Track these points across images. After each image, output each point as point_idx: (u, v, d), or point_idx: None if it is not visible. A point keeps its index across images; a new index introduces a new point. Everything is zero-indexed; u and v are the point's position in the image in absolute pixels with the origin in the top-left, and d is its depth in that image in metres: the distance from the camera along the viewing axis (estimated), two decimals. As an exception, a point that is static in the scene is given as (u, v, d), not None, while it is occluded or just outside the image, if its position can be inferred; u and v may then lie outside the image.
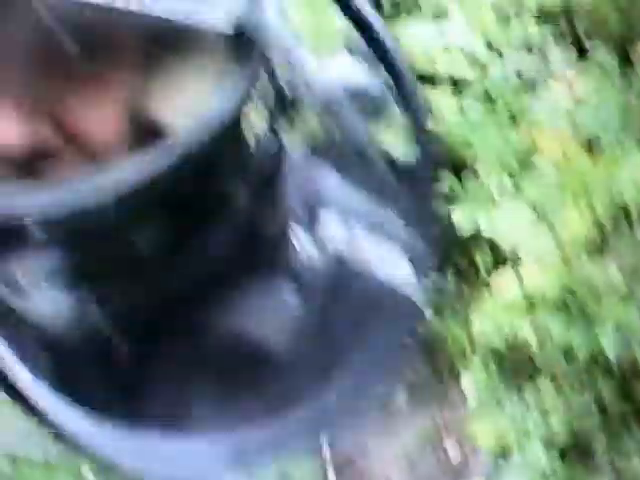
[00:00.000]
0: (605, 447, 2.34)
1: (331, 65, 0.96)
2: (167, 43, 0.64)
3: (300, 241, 0.82)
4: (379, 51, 0.89)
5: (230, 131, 0.70)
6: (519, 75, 2.89)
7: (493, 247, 2.62)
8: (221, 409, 0.79)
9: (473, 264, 2.71)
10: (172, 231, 0.70)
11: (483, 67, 2.89)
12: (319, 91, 0.87)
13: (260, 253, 0.81)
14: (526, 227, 2.51)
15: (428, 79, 2.92)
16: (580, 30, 2.90)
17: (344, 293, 0.86)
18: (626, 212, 2.38)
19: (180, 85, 0.68)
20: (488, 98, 2.96)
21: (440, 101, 2.87)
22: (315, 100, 0.85)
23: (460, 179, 2.75)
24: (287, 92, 0.80)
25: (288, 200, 0.84)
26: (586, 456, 2.39)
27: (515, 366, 2.47)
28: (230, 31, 0.66)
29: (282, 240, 0.84)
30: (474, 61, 2.91)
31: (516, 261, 2.49)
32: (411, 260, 0.87)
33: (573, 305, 2.36)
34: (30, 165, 0.63)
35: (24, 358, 0.65)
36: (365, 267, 0.85)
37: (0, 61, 0.60)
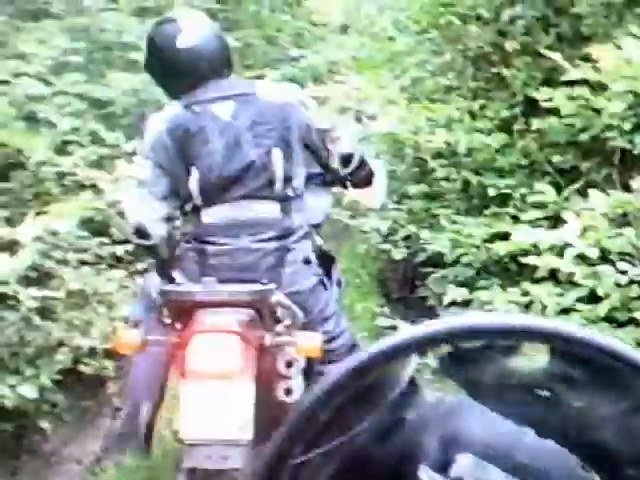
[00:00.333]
0: None
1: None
2: None
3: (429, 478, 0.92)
4: None
5: None
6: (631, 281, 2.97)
7: None
8: None
9: None
10: None
11: (594, 271, 2.96)
12: None
13: None
14: None
15: (529, 271, 3.01)
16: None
17: None
18: None
19: None
20: (592, 297, 3.02)
21: (541, 296, 2.95)
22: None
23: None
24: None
25: (420, 440, 0.95)
26: None
27: None
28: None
29: (404, 476, 0.93)
30: (581, 262, 2.98)
31: None
32: None
33: None
34: None
35: None
36: None
37: None
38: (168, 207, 3.02)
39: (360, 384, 0.86)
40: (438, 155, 4.09)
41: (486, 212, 3.87)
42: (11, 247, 2.23)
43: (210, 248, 2.98)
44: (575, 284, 3.12)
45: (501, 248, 3.36)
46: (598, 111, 3.52)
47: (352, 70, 6.23)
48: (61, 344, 3.50)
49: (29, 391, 3.14)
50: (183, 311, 2.74)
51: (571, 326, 0.86)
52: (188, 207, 3.01)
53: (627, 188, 3.40)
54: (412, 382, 0.98)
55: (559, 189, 3.68)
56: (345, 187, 3.47)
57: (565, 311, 3.13)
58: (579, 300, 3.14)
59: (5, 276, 2.79)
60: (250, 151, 2.97)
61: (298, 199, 3.09)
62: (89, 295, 3.70)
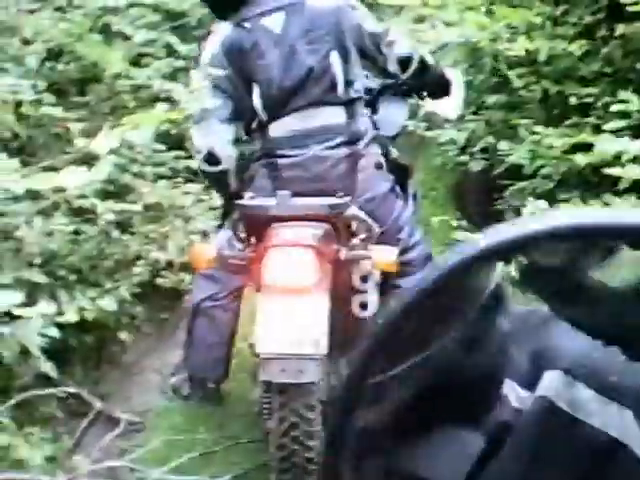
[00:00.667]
0: None
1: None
2: None
3: (514, 395, 0.89)
4: None
5: None
6: None
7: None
8: None
9: None
10: None
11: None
12: None
13: (459, 400, 0.90)
14: None
15: (610, 183, 2.93)
16: None
17: (555, 450, 0.86)
18: None
19: None
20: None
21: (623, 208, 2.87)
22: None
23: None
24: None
25: (509, 354, 0.92)
26: None
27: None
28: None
29: (488, 392, 0.91)
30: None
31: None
32: None
33: None
34: None
35: None
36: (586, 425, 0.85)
37: None
38: (234, 128, 3.00)
39: (441, 296, 0.83)
40: (517, 64, 3.97)
41: (567, 122, 3.75)
42: (88, 161, 2.23)
43: (281, 161, 2.97)
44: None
45: (582, 159, 3.27)
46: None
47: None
48: (139, 257, 3.54)
49: (109, 303, 3.19)
50: (258, 226, 2.74)
51: None
52: (254, 124, 2.99)
53: None
54: (498, 292, 0.95)
55: (644, 98, 3.54)
56: (421, 97, 3.41)
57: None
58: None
59: (83, 189, 2.81)
60: (307, 58, 2.94)
61: (361, 102, 3.06)
62: (166, 209, 3.73)
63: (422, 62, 3.14)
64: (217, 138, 2.97)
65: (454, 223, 3.54)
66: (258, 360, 2.58)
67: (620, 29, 3.65)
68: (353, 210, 2.78)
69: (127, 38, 4.27)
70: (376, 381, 0.85)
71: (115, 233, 3.50)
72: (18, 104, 3.06)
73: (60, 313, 2.58)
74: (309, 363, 2.51)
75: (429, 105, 3.45)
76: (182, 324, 3.52)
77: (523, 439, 0.87)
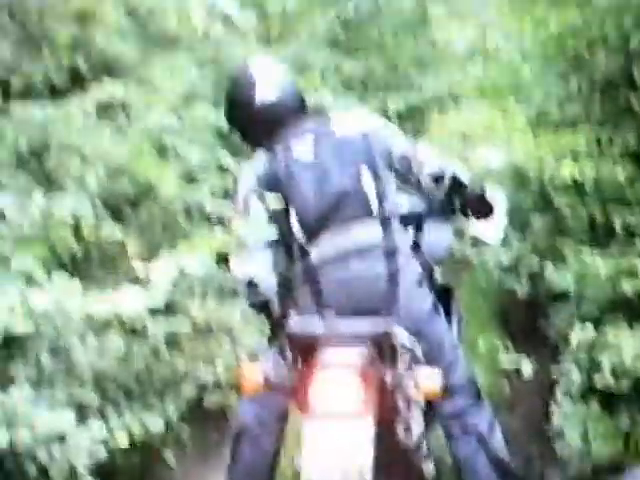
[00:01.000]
0: None
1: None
2: None
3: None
4: None
5: None
6: None
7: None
8: None
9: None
10: None
11: None
12: None
13: None
14: None
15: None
16: None
17: None
18: None
19: None
20: None
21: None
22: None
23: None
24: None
25: None
26: None
27: None
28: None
29: None
30: None
31: None
32: None
33: None
34: None
35: None
36: None
37: None
38: (273, 255, 3.07)
39: None
40: (564, 187, 4.02)
41: (613, 246, 3.78)
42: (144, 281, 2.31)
43: (323, 281, 3.02)
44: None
45: (628, 286, 3.29)
46: None
47: (475, 96, 6.21)
48: (187, 376, 3.58)
49: (156, 423, 3.22)
50: (305, 347, 2.77)
51: None
52: (294, 248, 3.06)
53: None
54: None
55: (690, 223, 3.57)
56: (465, 215, 3.47)
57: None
58: None
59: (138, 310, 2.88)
60: (340, 180, 3.04)
61: (396, 218, 3.12)
62: (214, 327, 3.78)
63: (455, 179, 3.23)
64: (256, 266, 3.04)
65: (499, 346, 3.55)
66: (304, 485, 2.58)
67: (666, 154, 3.71)
68: (398, 331, 2.82)
69: (180, 156, 4.40)
70: None
71: (164, 352, 3.55)
72: (77, 224, 3.16)
73: (109, 433, 2.61)
74: None
75: (472, 228, 3.51)
76: (227, 444, 3.53)
77: None
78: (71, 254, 3.29)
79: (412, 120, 7.41)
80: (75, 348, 2.91)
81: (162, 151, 4.32)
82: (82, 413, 2.78)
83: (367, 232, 3.05)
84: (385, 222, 3.08)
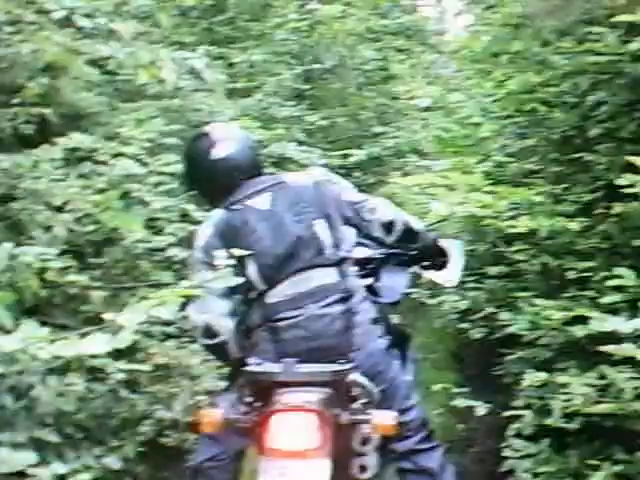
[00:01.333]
0: None
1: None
2: None
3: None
4: None
5: None
6: None
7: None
8: None
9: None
10: None
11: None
12: None
13: None
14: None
15: (608, 361, 3.03)
16: None
17: None
18: None
19: None
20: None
21: (618, 380, 2.97)
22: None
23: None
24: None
25: None
26: None
27: None
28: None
29: None
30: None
31: None
32: None
33: None
34: None
35: None
36: None
37: None
38: (231, 302, 3.15)
39: None
40: (518, 238, 4.14)
41: (565, 294, 3.89)
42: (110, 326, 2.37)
43: (280, 324, 3.11)
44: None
45: (579, 332, 3.39)
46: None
47: (436, 149, 6.37)
48: (145, 416, 3.63)
49: (113, 462, 3.25)
50: (264, 390, 2.85)
51: None
52: (253, 295, 3.15)
53: None
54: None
55: (639, 273, 3.68)
56: (423, 267, 3.59)
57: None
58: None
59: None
60: (295, 228, 3.15)
61: (350, 263, 3.23)
62: (173, 368, 3.84)
63: (407, 227, 3.35)
64: (213, 313, 3.12)
65: (453, 387, 3.63)
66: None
67: (617, 208, 3.84)
68: (354, 376, 2.91)
69: (145, 204, 4.48)
70: None
71: (123, 392, 3.59)
72: (43, 270, 3.22)
73: (76, 471, 2.65)
74: None
75: (429, 273, 3.62)
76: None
77: None
78: (36, 298, 3.34)
79: (372, 172, 7.57)
80: (37, 388, 2.95)
81: (127, 198, 4.39)
82: (41, 453, 2.81)
83: (323, 276, 3.15)
84: (340, 267, 3.19)
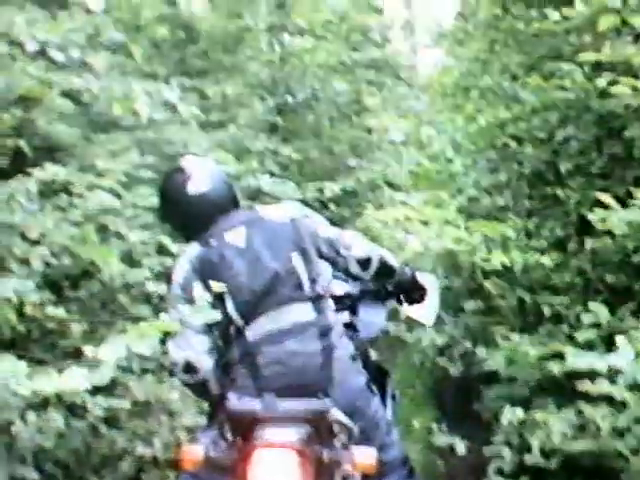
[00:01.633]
0: None
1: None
2: None
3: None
4: None
5: None
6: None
7: None
8: None
9: None
10: None
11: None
12: None
13: None
14: None
15: (585, 397, 3.06)
16: None
17: None
18: None
19: None
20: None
21: (595, 417, 3.00)
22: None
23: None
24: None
25: None
26: None
27: None
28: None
29: None
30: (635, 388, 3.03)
31: None
32: None
33: None
34: None
35: None
36: None
37: None
38: (210, 338, 3.16)
39: None
40: (493, 273, 4.18)
41: (541, 330, 3.93)
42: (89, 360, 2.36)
43: (259, 360, 3.11)
44: (630, 406, 3.16)
45: (555, 368, 3.42)
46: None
47: (409, 183, 6.42)
48: (125, 452, 3.60)
49: (93, 500, 3.24)
50: (244, 426, 2.84)
51: None
52: (230, 330, 3.15)
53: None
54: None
55: (613, 309, 3.73)
56: (399, 302, 3.61)
57: (620, 433, 3.17)
58: (636, 421, 3.17)
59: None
60: (271, 263, 3.17)
61: (328, 299, 3.24)
62: (152, 404, 3.82)
63: (384, 262, 3.37)
64: (193, 349, 3.12)
65: (432, 423, 3.64)
66: None
67: (589, 243, 3.89)
68: (335, 413, 2.91)
69: (122, 237, 4.47)
70: None
71: (103, 428, 3.57)
72: (21, 303, 3.20)
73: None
74: None
75: (406, 310, 3.64)
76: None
77: None
78: (13, 332, 3.32)
79: (347, 205, 7.60)
80: (16, 425, 2.93)
81: (103, 231, 4.38)
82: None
83: (300, 312, 3.16)
84: (318, 302, 3.20)
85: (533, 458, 3.26)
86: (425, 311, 3.58)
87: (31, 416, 3.07)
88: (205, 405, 3.43)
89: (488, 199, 4.70)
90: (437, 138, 6.03)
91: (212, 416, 3.22)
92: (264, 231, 3.23)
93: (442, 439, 3.37)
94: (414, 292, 3.53)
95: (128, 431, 3.68)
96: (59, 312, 3.42)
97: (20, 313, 3.25)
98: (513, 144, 4.55)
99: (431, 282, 3.59)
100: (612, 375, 3.10)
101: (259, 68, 8.18)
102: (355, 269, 3.36)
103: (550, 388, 3.70)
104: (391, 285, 3.51)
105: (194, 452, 2.85)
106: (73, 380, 2.17)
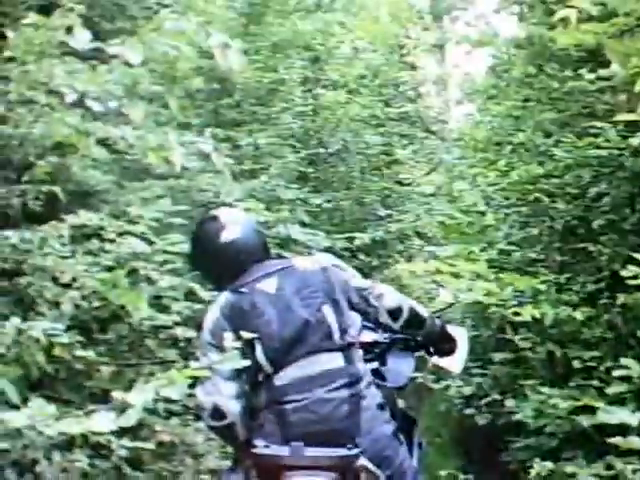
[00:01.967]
0: None
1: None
2: None
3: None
4: None
5: None
6: None
7: None
8: None
9: None
10: None
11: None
12: None
13: None
14: None
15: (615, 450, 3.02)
16: None
17: None
18: None
19: None
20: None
21: (626, 471, 2.95)
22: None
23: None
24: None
25: None
26: None
27: None
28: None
29: None
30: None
31: None
32: None
33: None
34: None
35: None
36: None
37: None
38: (239, 384, 3.15)
39: None
40: (523, 325, 4.16)
41: (571, 383, 3.89)
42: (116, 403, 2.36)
43: (287, 407, 3.10)
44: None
45: (586, 421, 3.38)
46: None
47: (440, 235, 6.42)
48: (149, 495, 3.60)
49: None
50: (271, 473, 2.83)
51: None
52: (260, 377, 3.15)
53: None
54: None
55: (644, 364, 3.69)
56: (429, 353, 3.59)
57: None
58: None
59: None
60: (302, 312, 3.16)
61: (357, 347, 3.24)
62: (177, 446, 3.81)
63: (414, 313, 3.37)
64: (221, 394, 3.12)
65: (458, 473, 3.60)
66: None
67: (621, 298, 3.86)
68: (362, 461, 2.89)
69: (152, 282, 4.49)
70: None
71: (127, 469, 3.56)
72: (50, 344, 3.22)
73: None
74: None
75: (435, 358, 3.62)
76: None
77: None
78: (41, 373, 3.33)
79: (376, 255, 7.61)
80: (40, 464, 2.93)
81: (133, 276, 4.41)
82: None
83: (330, 361, 3.15)
84: (347, 351, 3.19)
85: (561, 511, 3.22)
86: (454, 361, 3.56)
87: (56, 456, 3.07)
88: (229, 449, 3.41)
89: (519, 252, 4.69)
90: (469, 191, 6.04)
91: (237, 460, 3.20)
92: (295, 279, 3.24)
93: (467, 488, 3.33)
94: (444, 343, 3.52)
95: (152, 473, 3.67)
96: (88, 354, 3.44)
97: (49, 354, 3.26)
98: (545, 199, 4.56)
99: (461, 334, 3.57)
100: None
101: (292, 120, 8.26)
102: (385, 319, 3.36)
103: (579, 440, 3.66)
104: (421, 336, 3.51)
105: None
106: (100, 422, 2.17)
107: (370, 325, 3.48)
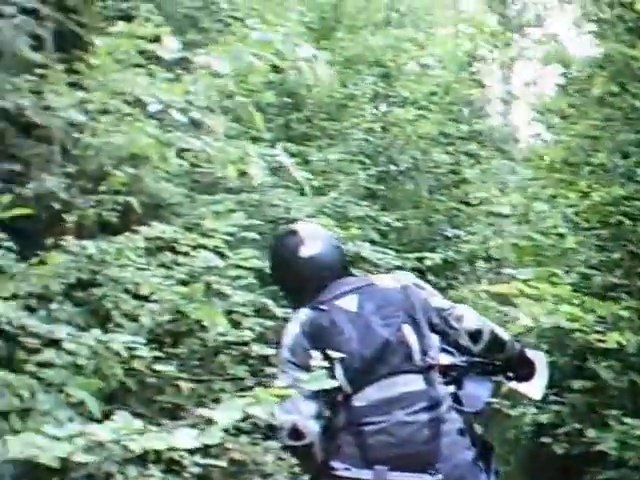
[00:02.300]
0: None
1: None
2: None
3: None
4: None
5: None
6: None
7: None
8: None
9: None
10: None
11: None
12: None
13: None
14: None
15: None
16: None
17: None
18: None
19: None
20: None
21: None
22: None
23: None
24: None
25: None
26: None
27: None
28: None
29: None
30: None
31: None
32: None
33: None
34: None
35: None
36: None
37: None
38: (318, 404, 3.09)
39: None
40: (604, 352, 4.06)
41: (655, 414, 3.78)
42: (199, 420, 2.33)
43: (367, 429, 3.03)
44: None
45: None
46: None
47: (512, 258, 6.32)
48: (218, 512, 3.57)
49: None
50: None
51: None
52: (339, 397, 3.08)
53: None
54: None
55: None
56: (507, 377, 3.50)
57: None
58: None
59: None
60: (383, 332, 3.08)
61: (437, 371, 3.15)
62: (247, 464, 3.78)
63: (494, 337, 3.28)
64: (301, 414, 3.06)
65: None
66: None
67: None
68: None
69: (224, 297, 4.48)
70: None
71: (198, 485, 3.55)
72: (131, 357, 3.21)
73: None
74: None
75: (513, 384, 3.53)
76: None
77: None
78: (121, 387, 3.33)
79: (444, 276, 7.54)
80: (115, 478, 2.92)
81: (206, 290, 4.40)
82: None
83: (410, 383, 3.08)
84: (428, 373, 3.12)
85: None
86: (534, 387, 3.47)
87: (131, 470, 3.05)
88: (298, 469, 3.36)
89: (599, 277, 4.59)
90: (548, 214, 5.93)
91: (314, 480, 3.15)
92: (375, 298, 3.18)
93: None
94: (523, 368, 3.43)
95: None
96: (167, 369, 3.42)
97: (127, 367, 3.26)
98: (627, 222, 4.45)
99: (540, 359, 3.48)
100: None
101: (361, 136, 8.23)
102: (465, 342, 3.28)
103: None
104: (500, 360, 3.42)
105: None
106: (182, 439, 2.13)
107: (447, 348, 3.41)
